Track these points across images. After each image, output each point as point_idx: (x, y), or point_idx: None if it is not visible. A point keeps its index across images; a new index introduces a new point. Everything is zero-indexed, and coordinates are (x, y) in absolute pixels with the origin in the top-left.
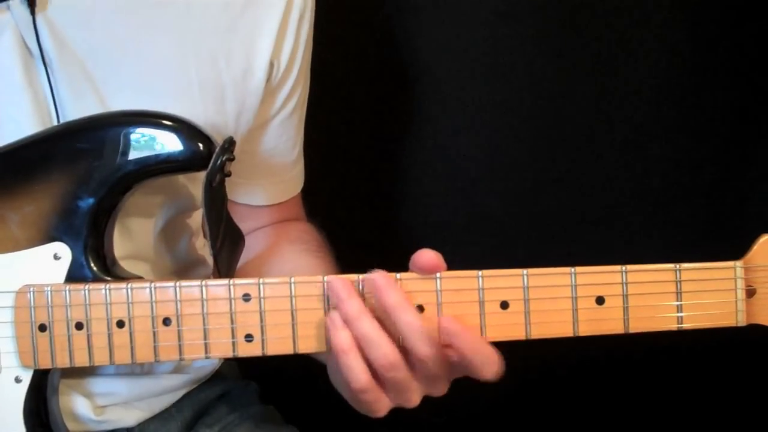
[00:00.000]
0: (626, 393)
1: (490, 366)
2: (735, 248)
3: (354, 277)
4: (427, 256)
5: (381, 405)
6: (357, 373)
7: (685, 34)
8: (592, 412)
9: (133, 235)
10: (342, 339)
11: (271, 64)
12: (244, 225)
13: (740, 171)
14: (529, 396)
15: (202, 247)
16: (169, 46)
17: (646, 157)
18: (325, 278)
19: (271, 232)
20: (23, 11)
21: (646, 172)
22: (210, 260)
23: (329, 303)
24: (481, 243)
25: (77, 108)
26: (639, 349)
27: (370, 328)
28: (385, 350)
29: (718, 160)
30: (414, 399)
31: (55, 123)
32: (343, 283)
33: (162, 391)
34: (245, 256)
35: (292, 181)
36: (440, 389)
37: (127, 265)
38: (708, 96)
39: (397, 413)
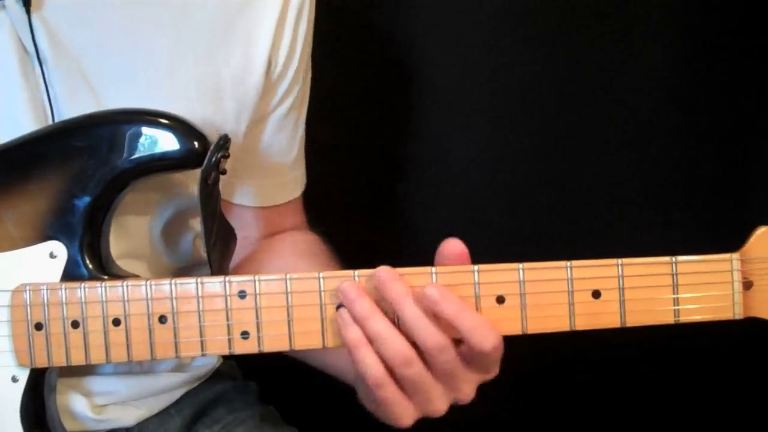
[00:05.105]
0: (624, 388)
1: (481, 333)
2: (735, 248)
3: (350, 272)
4: (454, 244)
5: (403, 409)
6: (371, 366)
7: (686, 35)
8: (590, 408)
9: (129, 233)
10: (353, 334)
11: (270, 62)
12: (241, 230)
13: (740, 171)
14: (526, 392)
15: None
16: (165, 44)
17: (646, 157)
18: (322, 274)
19: (275, 243)
20: (18, 10)
21: (646, 172)
22: None
23: (324, 300)
24: (481, 243)
25: (73, 105)
26: (637, 344)
27: (381, 325)
28: (398, 346)
29: (718, 160)
30: (438, 404)
31: (51, 120)
32: (352, 284)
33: (161, 390)
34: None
35: (290, 184)
36: (465, 392)
37: (123, 264)
38: (708, 96)
39: None
